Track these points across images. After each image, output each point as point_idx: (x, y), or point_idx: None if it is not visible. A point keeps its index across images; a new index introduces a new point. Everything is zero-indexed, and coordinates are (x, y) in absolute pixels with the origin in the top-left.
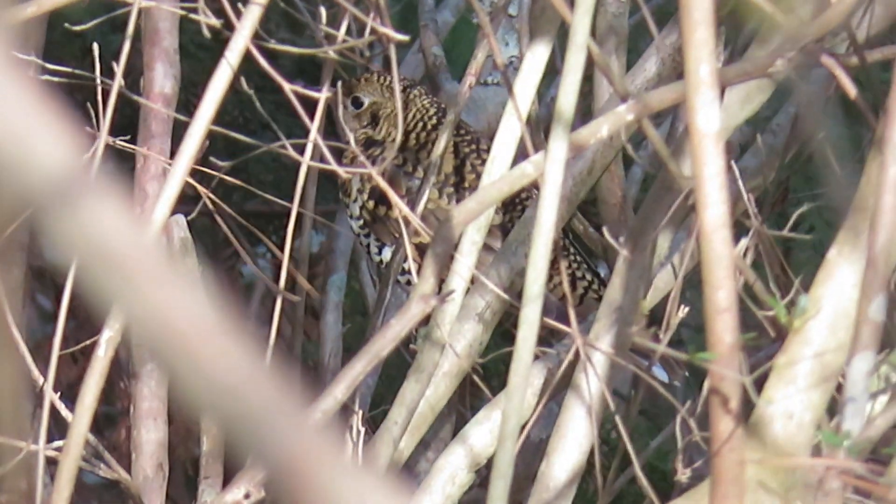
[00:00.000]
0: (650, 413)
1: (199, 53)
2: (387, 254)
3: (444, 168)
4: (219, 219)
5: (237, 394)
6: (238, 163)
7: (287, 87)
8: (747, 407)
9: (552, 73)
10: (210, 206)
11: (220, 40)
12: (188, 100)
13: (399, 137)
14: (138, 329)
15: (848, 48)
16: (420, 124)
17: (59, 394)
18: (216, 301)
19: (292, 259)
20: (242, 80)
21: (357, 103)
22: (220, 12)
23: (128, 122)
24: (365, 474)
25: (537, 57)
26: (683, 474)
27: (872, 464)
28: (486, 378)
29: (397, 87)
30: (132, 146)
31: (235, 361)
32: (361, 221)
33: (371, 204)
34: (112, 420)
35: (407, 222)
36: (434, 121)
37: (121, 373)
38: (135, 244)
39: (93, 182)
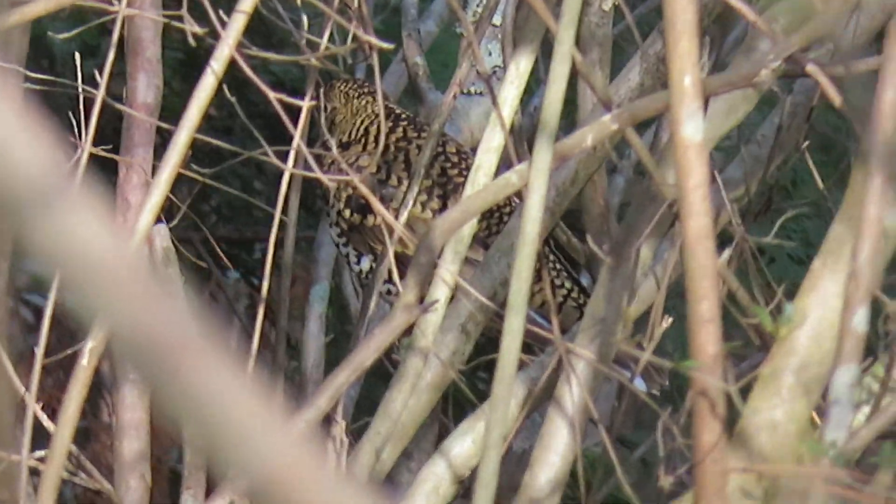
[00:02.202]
0: (639, 425)
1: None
2: (365, 264)
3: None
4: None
5: (219, 404)
6: (220, 170)
7: (271, 94)
8: (732, 416)
9: (535, 82)
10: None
11: (198, 48)
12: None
13: (381, 145)
14: (120, 339)
15: (833, 58)
16: (374, 129)
17: (41, 405)
18: (198, 311)
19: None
20: (225, 88)
21: (323, 110)
22: (203, 21)
23: (110, 131)
24: (348, 484)
25: (521, 67)
26: (666, 481)
27: (857, 473)
28: (469, 388)
29: (380, 96)
30: (115, 156)
31: (218, 371)
32: (339, 230)
33: (347, 212)
34: (94, 434)
35: (389, 231)
36: (400, 130)
37: (102, 387)
38: (117, 254)
39: (75, 191)
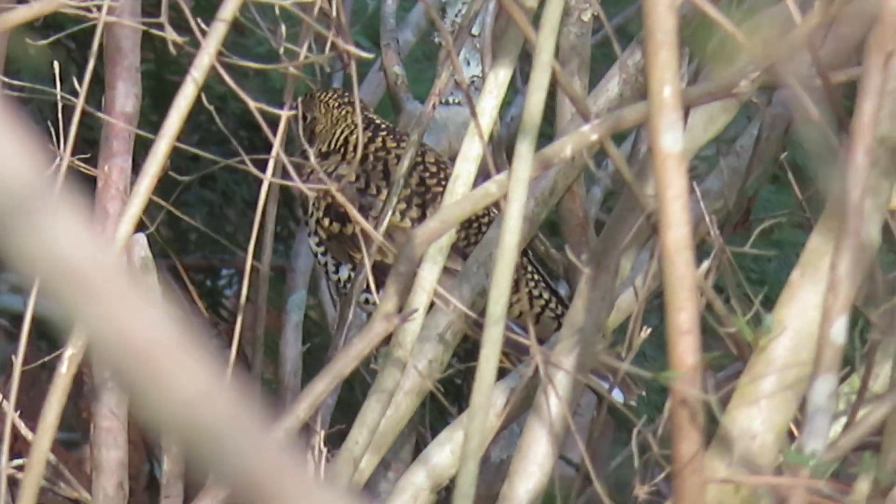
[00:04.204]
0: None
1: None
2: (343, 273)
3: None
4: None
5: (199, 410)
6: (198, 178)
7: (252, 104)
8: (710, 427)
9: (512, 92)
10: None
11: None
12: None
13: (359, 155)
14: (101, 344)
15: (812, 69)
16: (353, 139)
17: (19, 412)
18: (177, 318)
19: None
20: (203, 96)
21: (302, 120)
22: (183, 29)
23: (89, 139)
24: (328, 490)
25: (500, 77)
26: (642, 490)
27: (836, 483)
28: (447, 397)
29: (358, 105)
30: (92, 167)
31: (197, 378)
32: (317, 239)
33: (326, 221)
34: (73, 445)
35: (368, 240)
36: (379, 140)
37: (79, 398)
38: (97, 260)
39: (55, 198)
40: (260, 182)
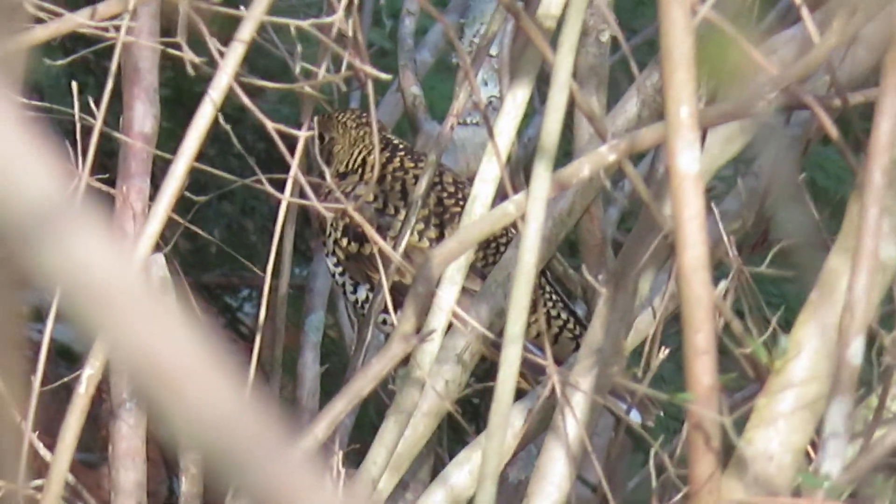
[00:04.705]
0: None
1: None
2: (361, 293)
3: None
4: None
5: (221, 429)
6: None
7: (269, 124)
8: (727, 448)
9: (530, 113)
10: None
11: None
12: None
13: (375, 175)
14: (122, 364)
15: (830, 89)
16: (371, 159)
17: (37, 433)
18: (199, 336)
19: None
20: (220, 117)
21: (320, 140)
22: (200, 50)
23: (105, 158)
24: None
25: (518, 97)
26: None
27: None
28: (465, 417)
29: (374, 126)
30: (111, 188)
31: (220, 397)
32: (335, 259)
33: (344, 242)
34: (91, 465)
35: (385, 260)
36: (397, 160)
37: (98, 419)
38: (119, 278)
39: (77, 216)
40: (278, 198)
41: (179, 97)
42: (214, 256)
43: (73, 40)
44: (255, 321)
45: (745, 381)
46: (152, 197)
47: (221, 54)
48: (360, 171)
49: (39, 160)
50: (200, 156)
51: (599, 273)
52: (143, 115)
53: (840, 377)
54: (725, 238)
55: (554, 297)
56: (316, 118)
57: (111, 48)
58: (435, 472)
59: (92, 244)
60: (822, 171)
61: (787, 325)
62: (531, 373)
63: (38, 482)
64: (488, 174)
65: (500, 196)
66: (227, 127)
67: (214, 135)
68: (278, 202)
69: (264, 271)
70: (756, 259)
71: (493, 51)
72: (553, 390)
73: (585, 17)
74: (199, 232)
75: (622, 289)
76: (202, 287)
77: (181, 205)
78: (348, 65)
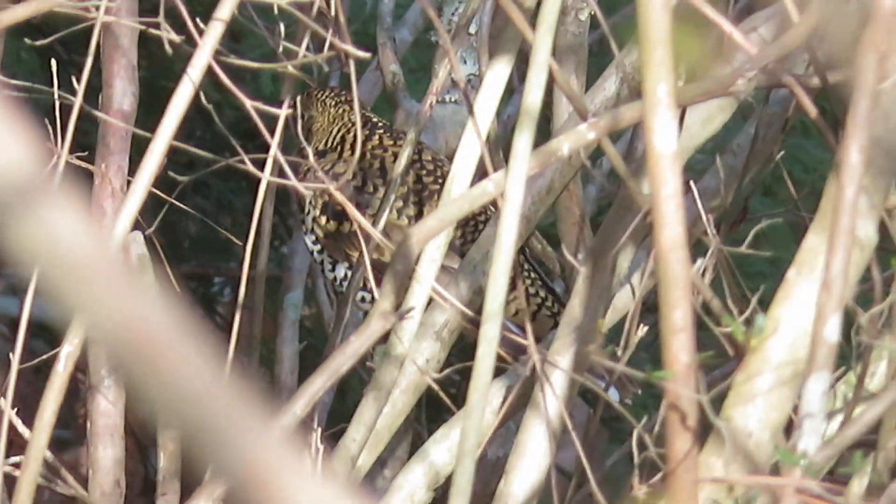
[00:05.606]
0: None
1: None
2: (340, 271)
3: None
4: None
5: (200, 403)
6: (197, 178)
7: (248, 103)
8: (705, 426)
9: (509, 91)
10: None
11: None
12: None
13: (358, 152)
14: (100, 340)
15: (808, 68)
16: (350, 137)
17: (16, 410)
18: (177, 312)
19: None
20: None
21: (300, 118)
22: (180, 28)
23: (84, 137)
24: (328, 484)
25: (498, 75)
26: (640, 490)
27: (830, 483)
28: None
29: (356, 104)
30: (90, 164)
31: (197, 372)
32: (314, 237)
33: (323, 220)
34: (68, 443)
35: (366, 238)
36: (376, 138)
37: (77, 397)
38: (96, 254)
39: (54, 193)
40: (255, 187)
41: (154, 79)
42: (188, 250)
43: (50, 22)
44: (232, 309)
45: (723, 360)
46: (131, 174)
47: (201, 34)
48: (339, 148)
49: (16, 136)
50: (176, 149)
51: (578, 251)
52: (123, 93)
53: (816, 355)
54: (704, 216)
55: (533, 274)
56: (297, 97)
57: (87, 30)
58: (414, 448)
59: (70, 220)
60: (801, 164)
61: (766, 302)
62: (511, 350)
63: (16, 459)
64: (468, 152)
65: (480, 174)
66: (209, 107)
67: (190, 131)
68: (254, 190)
69: (240, 259)
70: (736, 237)
71: (473, 29)
72: (533, 368)
73: None
74: (177, 220)
75: (601, 266)
76: (178, 277)
77: (157, 196)
78: (330, 45)
